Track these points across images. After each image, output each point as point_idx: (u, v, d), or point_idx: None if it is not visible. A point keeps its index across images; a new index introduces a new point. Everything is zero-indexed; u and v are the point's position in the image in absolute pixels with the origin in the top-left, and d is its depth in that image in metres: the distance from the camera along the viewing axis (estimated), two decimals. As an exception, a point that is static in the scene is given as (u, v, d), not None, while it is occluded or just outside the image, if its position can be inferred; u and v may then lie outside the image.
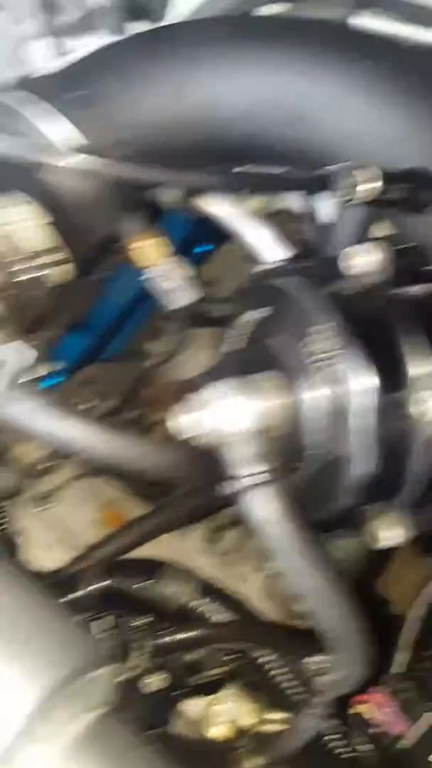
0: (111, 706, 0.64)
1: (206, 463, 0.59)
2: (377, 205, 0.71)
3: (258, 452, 0.55)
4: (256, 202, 1.21)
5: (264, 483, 0.54)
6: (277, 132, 0.86)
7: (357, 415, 0.53)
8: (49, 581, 1.02)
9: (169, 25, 1.00)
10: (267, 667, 0.90)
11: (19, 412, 0.59)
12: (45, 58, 1.33)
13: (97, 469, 1.18)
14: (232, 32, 0.87)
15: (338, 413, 0.54)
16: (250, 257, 1.09)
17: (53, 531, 1.18)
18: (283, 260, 0.69)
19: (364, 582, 1.17)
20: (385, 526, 0.57)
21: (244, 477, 0.54)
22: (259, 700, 1.01)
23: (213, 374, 0.60)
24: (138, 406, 1.28)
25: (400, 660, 0.97)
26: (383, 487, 0.56)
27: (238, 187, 0.71)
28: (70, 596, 0.93)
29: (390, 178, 0.71)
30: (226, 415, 0.56)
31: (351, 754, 0.87)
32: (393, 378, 0.54)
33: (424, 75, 0.80)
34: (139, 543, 1.11)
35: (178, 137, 0.88)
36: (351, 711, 0.89)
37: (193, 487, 1.07)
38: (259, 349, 0.61)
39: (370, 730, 0.87)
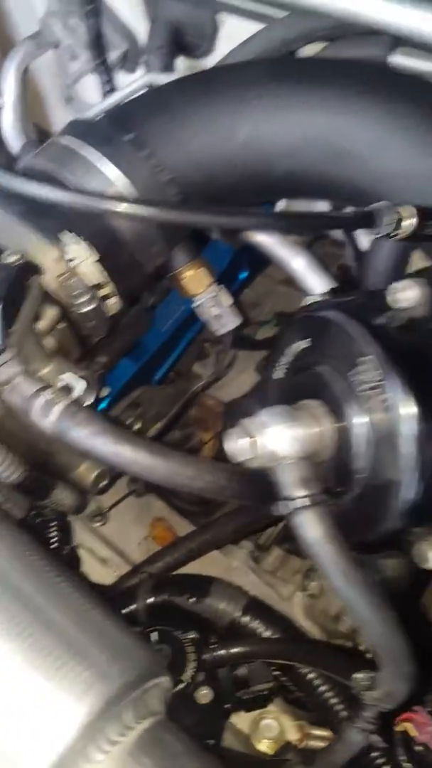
0: (165, 715, 0.68)
1: (257, 484, 0.63)
2: (415, 240, 0.75)
3: (306, 476, 0.59)
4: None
5: (312, 505, 0.58)
6: (320, 169, 0.90)
7: (404, 441, 0.56)
8: (104, 595, 1.07)
9: (213, 68, 1.06)
10: (313, 683, 0.93)
11: (81, 435, 0.64)
12: (97, 93, 1.41)
13: (147, 487, 1.23)
14: (276, 73, 0.92)
15: (384, 440, 0.58)
16: (289, 281, 1.13)
17: (108, 546, 1.23)
18: (330, 293, 0.72)
19: (408, 600, 1.19)
20: (429, 548, 0.60)
21: (294, 499, 0.58)
22: (304, 716, 1.04)
23: (263, 400, 0.64)
24: (185, 427, 1.33)
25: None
26: (429, 510, 0.59)
27: (282, 227, 0.75)
28: (124, 610, 0.98)
29: (427, 214, 0.75)
30: (277, 441, 0.60)
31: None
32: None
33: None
34: (187, 560, 1.15)
35: (225, 176, 0.93)
36: (396, 729, 0.90)
37: (240, 507, 1.10)
38: (307, 377, 0.64)
39: (415, 748, 0.89)
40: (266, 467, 0.61)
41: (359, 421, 0.59)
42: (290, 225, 0.80)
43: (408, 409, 0.56)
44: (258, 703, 1.02)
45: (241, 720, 1.05)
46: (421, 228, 0.73)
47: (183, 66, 1.33)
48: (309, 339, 0.64)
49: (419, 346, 0.59)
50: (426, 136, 0.84)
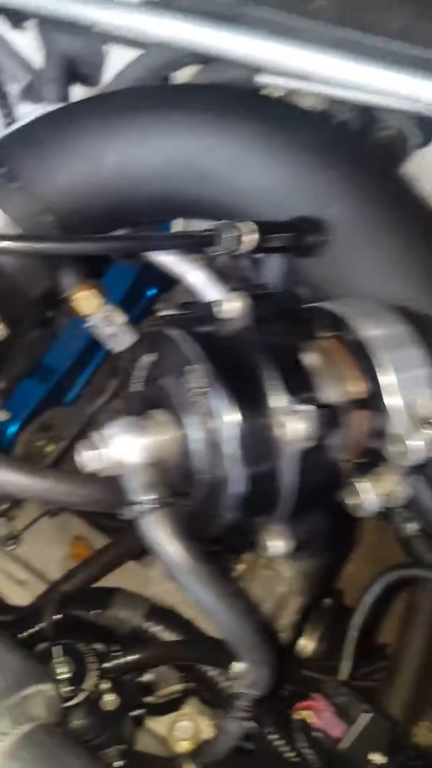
0: (50, 720, 0.71)
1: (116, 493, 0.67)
2: (258, 252, 0.80)
3: (151, 481, 0.63)
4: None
5: (156, 508, 0.62)
6: (187, 191, 0.95)
7: (227, 442, 0.61)
8: (16, 616, 1.09)
9: (82, 100, 1.11)
10: (214, 680, 0.96)
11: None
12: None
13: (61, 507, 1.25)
14: (140, 101, 0.97)
15: (214, 442, 0.62)
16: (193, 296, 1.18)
17: (25, 568, 1.25)
18: (180, 307, 0.77)
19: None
20: (269, 537, 0.65)
21: (139, 504, 0.62)
22: (221, 714, 1.07)
23: (114, 413, 0.68)
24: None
25: (344, 668, 1.03)
26: (264, 503, 0.64)
27: (130, 250, 0.80)
28: (32, 629, 1.00)
29: (272, 228, 0.80)
30: (123, 450, 0.64)
31: (297, 758, 0.92)
32: (258, 408, 0.62)
33: (308, 133, 0.90)
34: (102, 573, 1.18)
35: (99, 202, 0.97)
36: (295, 717, 0.94)
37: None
38: (153, 389, 0.69)
39: (313, 734, 0.93)
40: (115, 476, 0.65)
41: (193, 427, 0.64)
42: (137, 246, 0.85)
43: (230, 413, 0.60)
44: (171, 706, 1.05)
45: (158, 724, 1.08)
46: (263, 242, 0.78)
47: (80, 95, 1.37)
48: (153, 352, 0.69)
49: (240, 354, 0.64)
50: (278, 152, 0.90)
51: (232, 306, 0.64)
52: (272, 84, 1.10)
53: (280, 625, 1.20)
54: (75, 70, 1.34)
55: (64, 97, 1.34)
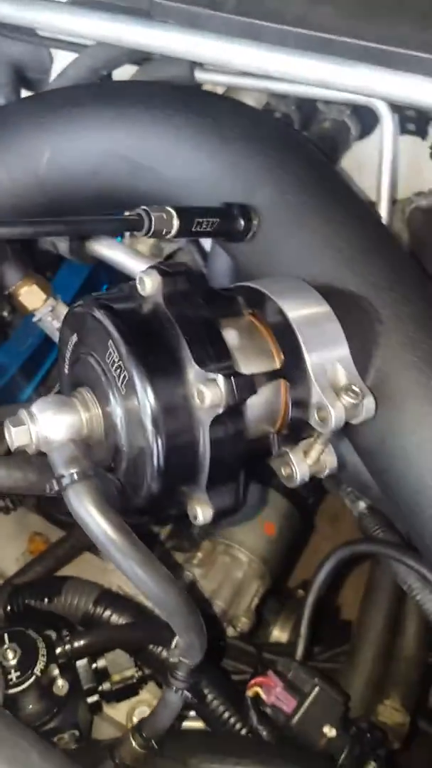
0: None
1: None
2: (192, 236, 0.82)
3: (75, 456, 0.65)
4: (146, 244, 1.34)
5: (79, 480, 0.64)
6: (123, 184, 0.97)
7: (145, 415, 0.63)
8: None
9: (16, 102, 1.13)
10: (166, 662, 0.97)
11: None
12: None
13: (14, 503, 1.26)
14: (71, 98, 0.99)
15: (134, 416, 0.64)
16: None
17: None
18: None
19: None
20: (194, 505, 0.67)
21: (64, 477, 0.64)
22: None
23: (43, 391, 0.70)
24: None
25: (300, 648, 1.05)
26: (185, 472, 0.66)
27: (57, 233, 0.82)
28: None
29: (201, 213, 0.82)
30: (49, 427, 0.66)
31: (251, 733, 0.94)
32: (174, 380, 0.64)
33: (237, 123, 0.92)
34: (58, 566, 1.19)
35: (39, 198, 0.99)
36: (248, 694, 0.96)
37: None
38: (79, 367, 0.71)
39: (265, 710, 0.95)
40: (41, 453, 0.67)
41: (115, 402, 0.66)
42: (65, 230, 0.87)
43: (146, 387, 0.62)
44: (128, 692, 1.06)
45: (117, 711, 1.09)
46: (190, 225, 0.80)
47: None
48: (76, 333, 0.71)
49: (158, 329, 0.66)
50: (208, 142, 0.93)
51: (148, 282, 0.66)
52: (211, 80, 1.14)
53: (240, 610, 1.21)
54: (23, 76, 1.36)
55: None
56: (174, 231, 0.79)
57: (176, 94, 0.98)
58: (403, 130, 1.11)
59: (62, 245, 1.26)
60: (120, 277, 1.49)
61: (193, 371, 0.64)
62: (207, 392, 0.62)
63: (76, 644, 0.95)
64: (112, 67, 1.16)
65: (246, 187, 0.89)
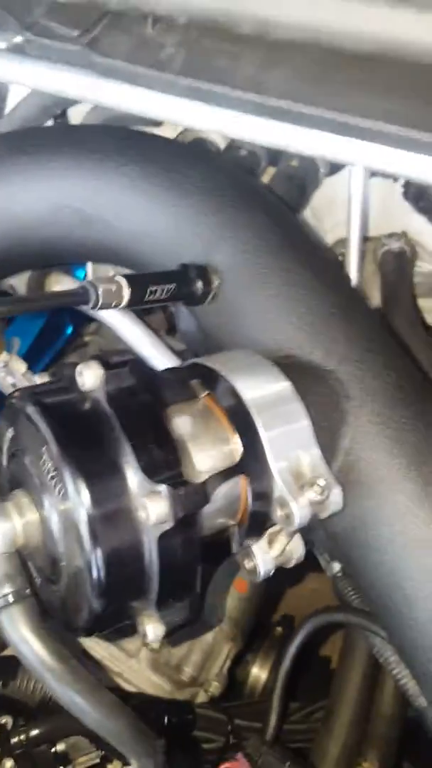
0: None
1: None
2: (148, 305, 0.76)
3: (8, 572, 0.58)
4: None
5: (15, 604, 0.57)
6: (74, 236, 0.91)
7: (81, 527, 0.56)
8: None
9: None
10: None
11: None
12: None
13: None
14: (21, 145, 0.92)
15: (70, 526, 0.58)
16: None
17: None
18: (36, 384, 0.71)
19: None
20: (144, 622, 0.61)
21: (-5, 598, 0.57)
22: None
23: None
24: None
25: (270, 726, 1.00)
26: (131, 588, 0.59)
27: (7, 313, 0.76)
28: None
29: (154, 279, 0.76)
30: (-19, 537, 0.59)
31: None
32: (113, 489, 0.57)
33: (194, 174, 0.86)
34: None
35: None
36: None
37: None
38: (15, 466, 0.64)
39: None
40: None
41: (51, 510, 0.59)
42: (13, 309, 0.80)
43: (82, 496, 0.56)
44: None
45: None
46: (143, 294, 0.74)
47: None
48: (12, 427, 0.64)
49: (97, 430, 0.59)
50: (162, 195, 0.86)
51: (92, 376, 0.60)
52: (168, 119, 1.07)
53: (211, 674, 1.16)
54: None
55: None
56: (124, 302, 0.73)
57: (131, 143, 0.91)
58: (374, 173, 1.05)
59: (22, 287, 1.20)
60: (83, 319, 1.44)
61: (137, 479, 0.58)
62: (152, 507, 0.56)
63: (32, 733, 0.89)
64: (64, 105, 1.09)
65: (205, 244, 0.83)
